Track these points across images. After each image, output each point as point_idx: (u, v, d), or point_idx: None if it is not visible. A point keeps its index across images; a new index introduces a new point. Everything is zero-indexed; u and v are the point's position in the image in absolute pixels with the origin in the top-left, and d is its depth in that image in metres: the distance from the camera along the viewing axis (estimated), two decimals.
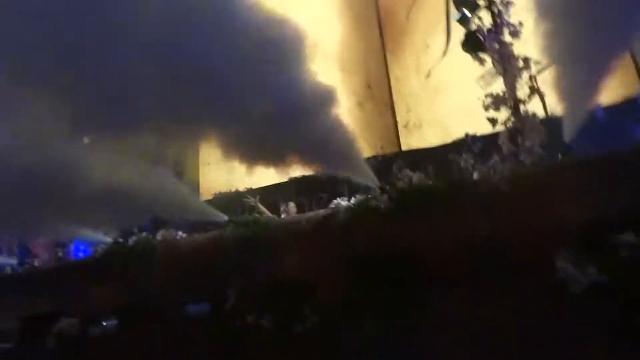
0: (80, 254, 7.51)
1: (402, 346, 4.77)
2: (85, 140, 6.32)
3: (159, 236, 6.55)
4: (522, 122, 5.60)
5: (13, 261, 8.07)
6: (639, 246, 4.24)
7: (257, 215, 6.41)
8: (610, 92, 7.35)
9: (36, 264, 7.77)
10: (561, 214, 4.72)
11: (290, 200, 7.89)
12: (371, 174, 6.33)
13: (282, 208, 7.52)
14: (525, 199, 4.97)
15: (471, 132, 6.52)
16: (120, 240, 6.68)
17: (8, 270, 7.72)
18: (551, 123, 5.88)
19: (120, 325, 5.88)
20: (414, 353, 4.71)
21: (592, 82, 5.60)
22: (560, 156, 5.49)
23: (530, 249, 4.68)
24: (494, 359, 4.43)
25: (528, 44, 6.11)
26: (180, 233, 6.64)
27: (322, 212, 6.01)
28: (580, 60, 5.33)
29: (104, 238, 7.08)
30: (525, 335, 4.28)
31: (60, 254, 7.66)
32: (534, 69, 5.90)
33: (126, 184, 5.97)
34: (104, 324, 5.98)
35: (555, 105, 6.56)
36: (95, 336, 5.90)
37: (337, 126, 6.45)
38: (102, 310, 6.01)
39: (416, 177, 6.03)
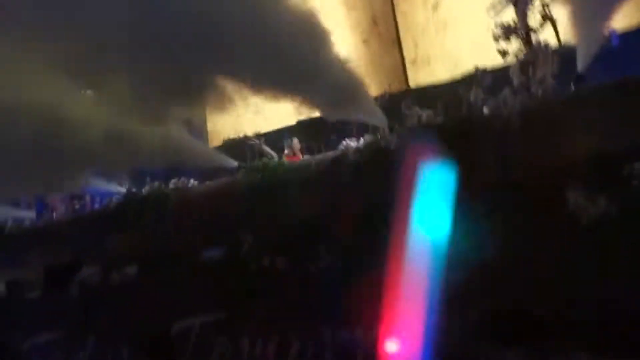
0: (96, 205, 7.64)
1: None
2: (89, 92, 6.30)
3: (172, 185, 6.62)
4: (533, 53, 5.41)
5: (32, 214, 8.25)
6: None
7: (266, 160, 6.42)
8: (625, 17, 7.07)
9: (54, 216, 7.93)
10: (574, 145, 4.66)
11: (299, 144, 7.86)
12: (380, 113, 6.25)
13: (285, 145, 7.48)
14: (537, 132, 4.90)
15: (481, 66, 6.36)
16: (134, 190, 6.77)
17: (27, 223, 7.92)
18: (564, 52, 5.69)
19: (139, 272, 6.07)
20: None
21: (607, 7, 5.38)
22: (573, 87, 5.34)
23: (542, 182, 4.66)
24: (507, 288, 4.51)
25: None
26: (192, 181, 6.70)
27: (331, 154, 6.00)
28: None
29: (118, 188, 7.18)
30: (537, 266, 4.35)
31: (77, 205, 7.80)
32: None
33: (133, 132, 5.99)
34: (126, 271, 6.17)
35: (568, 33, 6.34)
36: (116, 283, 6.11)
37: (342, 65, 6.33)
38: (121, 259, 6.18)
39: (425, 114, 5.95)
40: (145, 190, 6.64)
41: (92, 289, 6.11)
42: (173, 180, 6.68)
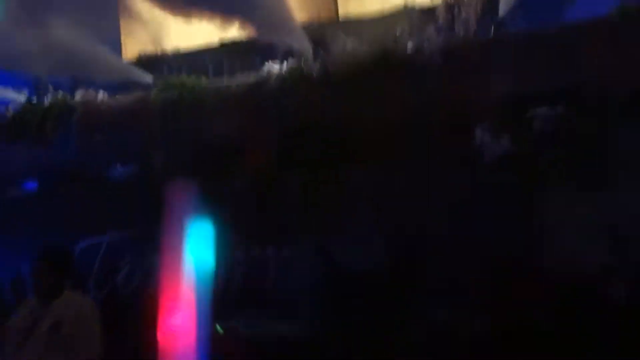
0: None
1: (327, 210, 5.00)
2: None
3: (78, 96, 6.13)
4: None
5: None
6: (552, 119, 4.49)
7: (184, 77, 6.11)
8: None
9: None
10: (487, 87, 4.86)
11: (221, 63, 7.53)
12: (305, 40, 6.10)
13: None
14: (455, 70, 5.04)
15: (410, 1, 6.35)
16: (34, 99, 6.21)
17: None
18: None
19: (40, 187, 5.70)
20: (339, 216, 4.96)
21: None
22: (492, 30, 5.50)
23: (454, 120, 4.85)
24: (413, 223, 4.74)
25: None
26: (101, 93, 6.25)
27: (252, 77, 5.82)
28: None
29: (17, 96, 6.57)
30: (436, 203, 4.59)
31: None
32: None
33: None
34: (25, 186, 5.77)
35: None
36: (14, 198, 5.72)
37: None
38: (20, 172, 5.75)
39: (350, 44, 5.89)
40: (47, 100, 6.11)
41: None
42: (79, 91, 6.18)
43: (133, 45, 8.64)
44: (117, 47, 8.58)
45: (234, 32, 7.70)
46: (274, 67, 5.77)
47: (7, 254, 5.58)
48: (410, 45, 5.56)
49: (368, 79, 5.35)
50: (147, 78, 6.38)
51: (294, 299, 4.38)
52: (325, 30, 7.21)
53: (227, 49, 7.52)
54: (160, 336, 3.80)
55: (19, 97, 6.44)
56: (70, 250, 4.35)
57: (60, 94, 6.15)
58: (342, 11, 8.92)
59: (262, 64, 6.07)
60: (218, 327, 4.30)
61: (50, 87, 6.29)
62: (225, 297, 4.53)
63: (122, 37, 8.96)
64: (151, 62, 7.74)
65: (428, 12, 6.19)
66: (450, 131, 4.82)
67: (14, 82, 6.60)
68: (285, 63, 5.78)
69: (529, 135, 4.48)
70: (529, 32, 5.36)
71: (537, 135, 4.43)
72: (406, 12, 6.37)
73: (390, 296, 4.21)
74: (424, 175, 4.84)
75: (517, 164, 4.51)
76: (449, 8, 5.76)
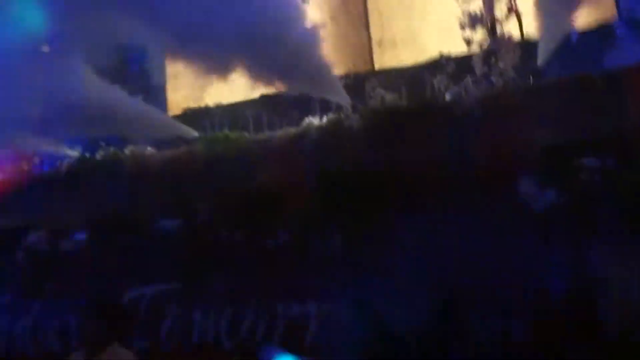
0: (46, 168, 7.34)
1: (369, 262, 4.97)
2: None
3: (127, 151, 6.43)
4: (497, 43, 5.54)
5: None
6: (599, 170, 4.40)
7: (227, 131, 6.33)
8: (586, 18, 7.30)
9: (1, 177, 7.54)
10: (528, 136, 4.82)
11: (262, 117, 7.79)
12: (343, 93, 6.26)
13: None
14: (494, 121, 5.04)
15: (446, 52, 6.46)
16: (87, 154, 6.53)
17: None
18: (526, 45, 5.85)
19: (90, 239, 5.90)
20: (381, 268, 4.91)
21: (569, 4, 5.54)
22: (531, 79, 5.51)
23: (497, 169, 4.80)
24: (458, 275, 4.65)
25: None
26: (149, 148, 6.53)
27: (293, 130, 5.97)
28: None
29: (70, 152, 6.92)
30: (488, 252, 4.50)
31: (25, 167, 7.45)
32: None
33: (87, 98, 5.81)
34: (75, 237, 5.98)
35: (531, 26, 6.51)
36: (66, 250, 5.92)
37: (308, 41, 6.29)
38: (72, 224, 5.98)
39: (389, 97, 6.01)
40: (99, 155, 6.42)
41: (40, 254, 5.89)
42: (129, 147, 6.48)
43: (179, 101, 9.07)
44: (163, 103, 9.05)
45: (274, 87, 8.01)
46: (313, 121, 5.91)
47: (56, 303, 5.74)
48: (448, 96, 5.64)
49: (407, 130, 5.40)
50: (192, 132, 6.63)
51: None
52: (362, 81, 7.39)
53: (266, 103, 7.80)
54: None
55: (73, 153, 6.79)
56: (118, 302, 4.45)
57: (111, 149, 6.46)
58: (378, 62, 9.17)
59: (301, 117, 6.25)
60: None
61: (102, 144, 6.61)
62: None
63: (169, 93, 9.43)
64: (195, 117, 8.09)
65: (464, 62, 6.27)
66: (494, 181, 4.78)
67: (67, 139, 6.98)
68: (324, 116, 5.92)
69: (576, 186, 4.38)
70: (568, 81, 5.34)
71: (585, 186, 4.33)
72: (441, 62, 6.48)
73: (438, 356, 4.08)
74: (469, 226, 4.77)
75: (565, 215, 4.40)
76: (486, 57, 5.83)
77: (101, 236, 5.94)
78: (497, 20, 5.68)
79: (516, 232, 4.47)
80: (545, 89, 5.24)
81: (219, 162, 5.82)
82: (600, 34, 6.95)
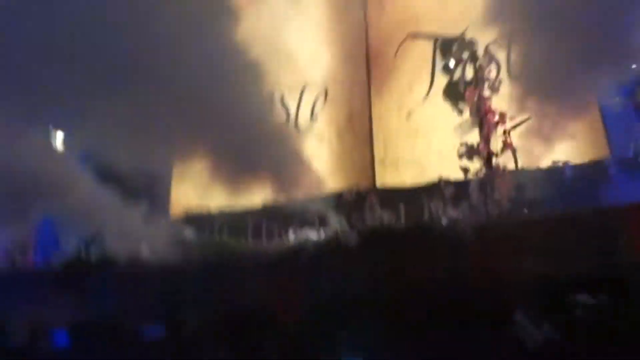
0: (39, 261, 7.30)
1: None
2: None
3: (123, 252, 6.41)
4: (492, 175, 5.74)
5: None
6: (594, 308, 4.33)
7: (225, 239, 6.37)
8: (580, 153, 7.62)
9: None
10: (521, 268, 4.81)
11: (260, 225, 7.87)
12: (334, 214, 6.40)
13: None
14: (488, 250, 5.06)
15: (445, 175, 6.66)
16: (82, 253, 6.52)
17: None
18: (521, 177, 6.04)
19: (72, 342, 5.70)
20: None
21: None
22: (525, 211, 5.62)
23: (489, 300, 4.74)
24: None
25: (505, 99, 6.35)
26: (145, 249, 6.52)
27: (291, 243, 6.00)
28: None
29: (66, 244, 6.91)
30: None
31: (18, 259, 7.41)
32: (508, 124, 6.09)
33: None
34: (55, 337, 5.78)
35: (526, 159, 6.78)
36: (44, 350, 5.70)
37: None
38: (54, 324, 5.81)
39: (386, 216, 6.10)
40: (94, 255, 6.39)
41: (16, 353, 5.66)
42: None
43: (181, 204, 9.24)
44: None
45: (274, 196, 8.20)
46: (310, 234, 5.96)
47: None
48: (444, 220, 5.72)
49: (402, 251, 5.42)
50: (191, 236, 6.67)
51: None
52: (364, 198, 7.55)
53: (267, 212, 7.92)
54: None
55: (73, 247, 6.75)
56: None
57: (107, 248, 6.46)
58: (379, 180, 9.44)
59: (300, 228, 6.31)
60: None
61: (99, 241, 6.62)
62: None
63: (172, 196, 9.64)
64: (196, 220, 8.18)
65: (462, 186, 6.43)
66: (487, 311, 4.70)
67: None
68: (321, 230, 5.98)
69: (571, 323, 4.29)
70: (562, 214, 5.42)
71: (579, 323, 4.24)
72: (440, 185, 6.64)
73: None
74: (466, 355, 4.62)
75: (560, 352, 4.27)
76: (482, 186, 5.98)
77: (83, 338, 5.76)
78: (493, 153, 5.92)
79: None
80: (539, 222, 5.31)
81: (213, 270, 5.78)
82: (594, 169, 7.20)
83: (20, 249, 7.56)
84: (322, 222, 6.90)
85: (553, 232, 5.15)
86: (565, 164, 6.72)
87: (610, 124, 7.74)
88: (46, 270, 6.60)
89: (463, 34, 6.97)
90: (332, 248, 5.65)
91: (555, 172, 6.68)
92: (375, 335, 4.97)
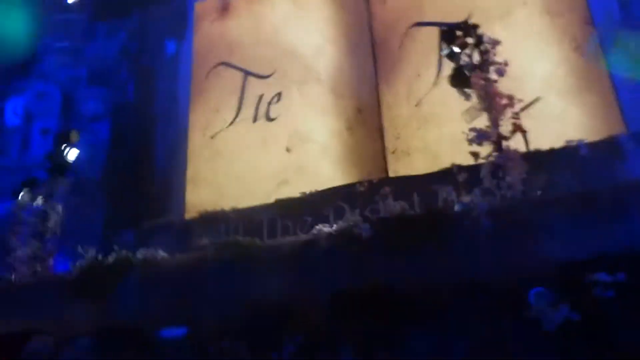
0: (59, 269, 7.41)
1: None
2: None
3: (140, 255, 6.48)
4: (503, 158, 5.67)
5: None
6: (612, 285, 4.27)
7: (239, 238, 6.40)
8: (594, 130, 7.50)
9: (13, 278, 7.58)
10: (538, 250, 4.76)
11: (275, 222, 7.90)
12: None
13: None
14: (503, 234, 5.02)
15: (458, 161, 6.59)
16: (100, 256, 6.59)
17: None
18: (533, 159, 5.96)
19: (95, 347, 5.78)
20: None
21: None
22: (539, 192, 5.54)
23: (506, 284, 4.70)
24: None
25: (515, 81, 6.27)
26: (161, 252, 6.58)
27: (303, 238, 6.02)
28: None
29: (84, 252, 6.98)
30: None
31: (38, 268, 7.52)
32: (517, 106, 6.00)
33: None
34: (79, 344, 5.87)
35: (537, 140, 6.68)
36: (68, 357, 5.79)
37: None
38: (78, 330, 5.91)
39: (399, 206, 6.07)
40: (111, 258, 6.47)
41: None
42: (141, 250, 6.53)
43: (197, 205, 9.31)
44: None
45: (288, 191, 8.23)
46: (324, 228, 5.95)
47: None
48: (457, 206, 5.67)
49: (416, 240, 5.40)
50: (205, 237, 6.71)
51: None
52: (377, 188, 7.52)
53: (281, 208, 7.96)
54: None
55: (88, 252, 6.82)
56: None
57: (124, 252, 6.53)
58: (391, 171, 9.40)
59: (314, 224, 6.31)
60: None
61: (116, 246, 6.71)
62: None
63: (187, 197, 9.73)
64: (212, 220, 8.25)
65: (475, 171, 6.36)
66: (504, 294, 4.66)
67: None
68: (335, 224, 5.97)
69: (590, 302, 4.24)
70: (576, 194, 5.34)
71: (598, 302, 4.19)
72: (453, 171, 6.59)
73: None
74: (481, 341, 4.59)
75: (579, 332, 4.22)
76: (493, 170, 5.90)
77: (106, 343, 5.84)
78: (503, 136, 5.85)
79: (528, 349, 4.28)
80: (553, 203, 5.24)
81: (228, 268, 5.82)
82: (608, 146, 7.06)
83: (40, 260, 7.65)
84: (336, 215, 6.91)
85: (568, 213, 5.09)
86: (579, 142, 6.60)
87: (624, 97, 7.61)
88: (65, 278, 6.68)
89: (467, 19, 6.88)
90: (345, 240, 5.64)
91: (569, 152, 6.58)
92: (392, 327, 4.96)
